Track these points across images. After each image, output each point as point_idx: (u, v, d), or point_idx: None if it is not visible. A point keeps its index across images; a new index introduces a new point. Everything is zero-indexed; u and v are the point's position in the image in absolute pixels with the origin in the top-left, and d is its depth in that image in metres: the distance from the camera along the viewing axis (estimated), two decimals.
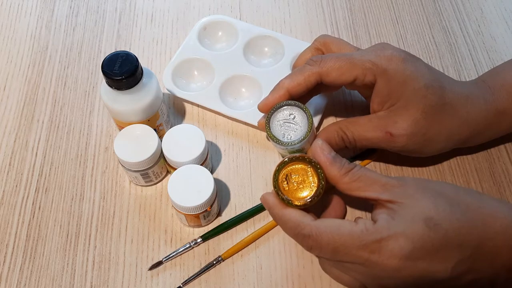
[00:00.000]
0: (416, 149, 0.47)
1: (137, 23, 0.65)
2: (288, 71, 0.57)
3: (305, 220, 0.39)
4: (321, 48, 0.50)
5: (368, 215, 0.50)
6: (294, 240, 0.41)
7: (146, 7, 0.66)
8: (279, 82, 0.47)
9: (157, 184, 0.53)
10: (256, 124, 0.54)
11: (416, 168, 0.53)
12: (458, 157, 0.54)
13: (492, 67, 0.60)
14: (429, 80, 0.44)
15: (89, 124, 0.57)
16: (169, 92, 0.57)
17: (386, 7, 0.66)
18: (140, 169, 0.49)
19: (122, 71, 0.45)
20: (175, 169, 0.48)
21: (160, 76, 0.59)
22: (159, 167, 0.50)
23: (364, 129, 0.46)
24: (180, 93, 0.56)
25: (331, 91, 0.53)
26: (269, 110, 0.45)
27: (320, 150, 0.41)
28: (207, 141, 0.49)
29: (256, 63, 0.59)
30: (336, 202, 0.43)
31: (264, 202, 0.42)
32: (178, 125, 0.49)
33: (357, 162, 0.54)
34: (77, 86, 0.60)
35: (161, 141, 0.49)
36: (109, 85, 0.46)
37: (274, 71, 0.57)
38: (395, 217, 0.37)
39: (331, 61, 0.45)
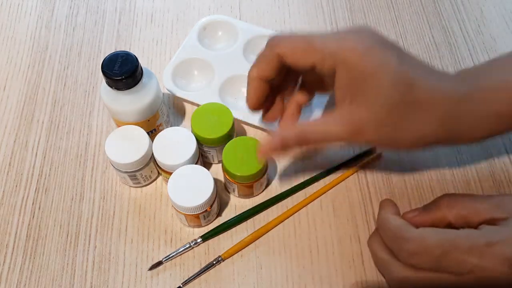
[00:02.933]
0: (385, 143, 0.41)
1: (137, 23, 0.65)
2: None
3: (408, 225, 0.39)
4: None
5: (368, 214, 0.50)
6: (392, 246, 0.41)
7: (146, 7, 0.66)
8: (248, 73, 0.44)
9: (157, 184, 0.53)
10: (257, 124, 0.54)
11: (416, 168, 0.53)
12: (458, 157, 0.54)
13: None
14: (395, 76, 0.38)
15: (89, 124, 0.57)
16: (169, 92, 0.57)
17: (386, 7, 0.66)
18: (128, 171, 0.49)
19: (122, 71, 0.45)
20: (165, 171, 0.48)
21: (160, 76, 0.59)
22: (148, 170, 0.50)
23: (326, 123, 0.40)
24: (180, 93, 0.56)
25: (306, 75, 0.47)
26: (258, 105, 0.45)
27: (413, 217, 0.42)
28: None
29: None
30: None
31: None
32: (169, 128, 0.49)
33: (364, 159, 0.54)
34: (77, 86, 0.60)
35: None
36: (109, 85, 0.46)
37: None
38: (505, 225, 0.37)
39: (288, 43, 0.41)
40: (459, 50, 0.62)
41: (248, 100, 0.45)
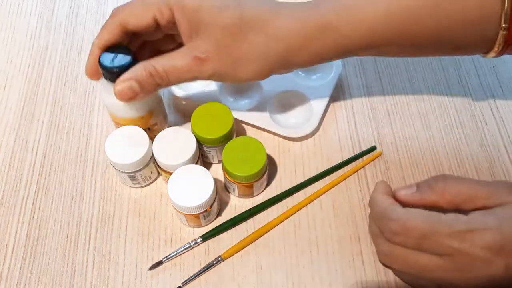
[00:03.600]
0: (228, 73, 0.45)
1: None
2: None
3: (394, 206, 0.40)
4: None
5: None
6: (379, 225, 0.42)
7: None
8: (92, 43, 0.46)
9: (157, 184, 0.53)
10: (257, 124, 0.54)
11: (416, 168, 0.53)
12: (458, 157, 0.54)
13: (492, 67, 0.60)
14: (223, 1, 0.43)
15: (89, 124, 0.57)
16: (169, 92, 0.57)
17: None
18: (128, 171, 0.49)
19: (117, 63, 0.45)
20: (165, 171, 0.48)
21: None
22: (148, 170, 0.50)
23: (173, 58, 0.44)
24: (180, 93, 0.56)
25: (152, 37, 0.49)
26: (93, 74, 0.46)
27: (405, 196, 0.43)
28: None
29: None
30: None
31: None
32: (169, 128, 0.49)
33: (364, 159, 0.54)
34: (77, 86, 0.60)
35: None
36: (104, 77, 0.46)
37: None
38: (491, 213, 0.38)
39: (127, 7, 0.45)
40: None
41: (87, 67, 0.46)
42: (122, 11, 0.45)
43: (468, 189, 0.41)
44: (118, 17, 0.44)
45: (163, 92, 0.58)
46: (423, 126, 0.56)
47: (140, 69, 0.44)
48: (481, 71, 0.60)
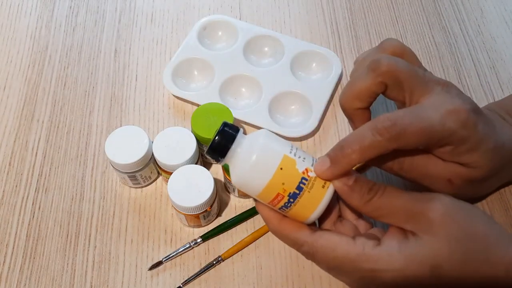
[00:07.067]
0: (468, 192, 0.44)
1: (137, 23, 0.65)
2: (288, 71, 0.58)
3: (301, 236, 0.38)
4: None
5: None
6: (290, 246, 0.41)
7: (146, 7, 0.66)
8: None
9: (157, 184, 0.53)
10: (256, 123, 0.54)
11: None
12: None
13: (492, 67, 0.60)
14: (489, 121, 0.42)
15: (89, 124, 0.57)
16: (169, 92, 0.57)
17: (386, 7, 0.66)
18: (127, 171, 0.49)
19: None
20: (165, 171, 0.48)
21: (160, 76, 0.59)
22: (148, 171, 0.50)
23: (430, 165, 0.42)
24: (180, 93, 0.56)
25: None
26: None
27: (338, 181, 0.39)
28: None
29: (256, 63, 0.59)
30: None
31: (260, 213, 0.40)
32: (169, 128, 0.49)
33: None
34: (77, 86, 0.60)
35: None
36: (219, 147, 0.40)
37: (274, 70, 0.58)
38: (403, 250, 0.36)
39: (406, 132, 0.38)
40: (459, 50, 0.62)
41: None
42: (400, 135, 0.38)
43: (402, 203, 0.38)
44: (392, 142, 0.38)
45: (163, 93, 0.58)
46: None
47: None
48: (481, 71, 0.60)
